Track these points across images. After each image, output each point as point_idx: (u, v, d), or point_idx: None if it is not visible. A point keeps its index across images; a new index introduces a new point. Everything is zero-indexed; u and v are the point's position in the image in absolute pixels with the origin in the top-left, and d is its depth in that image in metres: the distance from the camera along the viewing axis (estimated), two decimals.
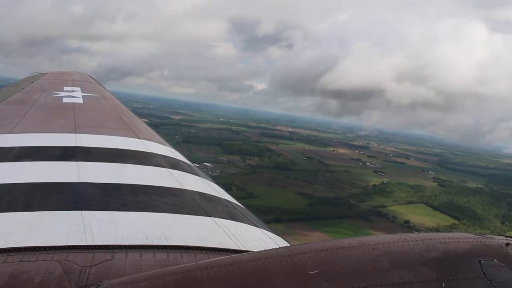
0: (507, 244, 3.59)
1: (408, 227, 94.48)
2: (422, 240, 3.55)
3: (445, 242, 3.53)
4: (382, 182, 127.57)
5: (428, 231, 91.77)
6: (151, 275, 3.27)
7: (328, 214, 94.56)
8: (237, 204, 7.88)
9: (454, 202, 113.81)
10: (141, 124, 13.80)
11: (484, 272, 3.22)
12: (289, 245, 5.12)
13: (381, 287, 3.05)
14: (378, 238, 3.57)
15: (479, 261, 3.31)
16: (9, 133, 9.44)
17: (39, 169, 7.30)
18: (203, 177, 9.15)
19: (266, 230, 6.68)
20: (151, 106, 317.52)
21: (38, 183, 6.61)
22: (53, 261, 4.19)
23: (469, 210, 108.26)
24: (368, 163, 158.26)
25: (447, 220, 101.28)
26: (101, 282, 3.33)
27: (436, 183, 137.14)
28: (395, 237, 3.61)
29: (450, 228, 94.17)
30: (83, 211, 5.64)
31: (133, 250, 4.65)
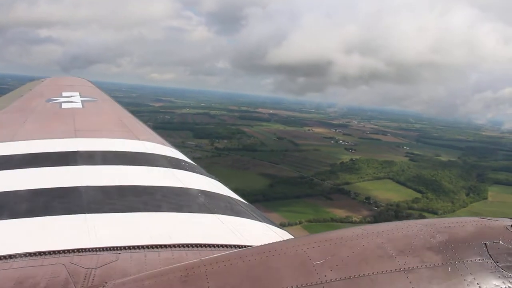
0: None
1: (368, 203, 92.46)
2: (426, 225, 3.50)
3: (450, 226, 3.47)
4: (351, 159, 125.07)
5: (390, 205, 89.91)
6: (156, 273, 3.35)
7: (286, 194, 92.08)
8: (240, 201, 7.88)
9: (421, 176, 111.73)
10: (141, 125, 13.70)
11: (490, 254, 3.17)
12: (293, 237, 5.10)
13: (387, 274, 3.02)
14: (382, 226, 3.55)
15: (485, 243, 3.25)
16: (10, 141, 9.43)
17: (41, 175, 7.28)
18: (205, 175, 9.11)
19: (270, 224, 6.71)
20: (134, 95, 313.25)
21: (40, 189, 6.60)
22: (58, 265, 4.25)
23: (435, 183, 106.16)
24: (341, 141, 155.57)
25: (411, 195, 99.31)
26: (106, 283, 3.46)
27: (407, 158, 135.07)
28: (399, 223, 3.58)
29: (412, 202, 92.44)
30: (86, 214, 5.67)
31: (137, 251, 4.70)
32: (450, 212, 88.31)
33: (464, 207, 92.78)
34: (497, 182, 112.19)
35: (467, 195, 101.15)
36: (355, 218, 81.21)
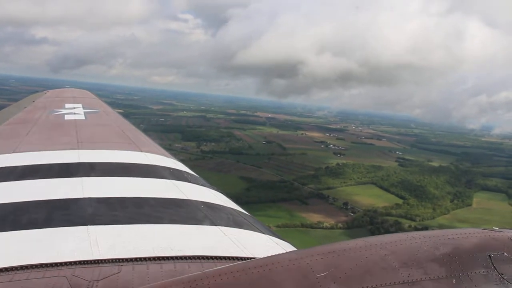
0: None
1: (345, 208, 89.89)
2: (430, 237, 3.50)
3: (453, 238, 3.47)
4: (337, 164, 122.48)
5: (367, 211, 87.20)
6: (158, 286, 3.33)
7: (261, 198, 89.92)
8: (243, 212, 7.88)
9: (407, 181, 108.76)
10: (143, 137, 13.72)
11: (494, 266, 3.17)
12: (296, 249, 5.19)
13: (390, 286, 3.02)
14: (385, 238, 3.55)
15: (489, 255, 3.25)
16: (13, 152, 9.47)
17: (43, 186, 7.29)
18: (207, 187, 9.06)
19: (273, 236, 6.68)
20: (135, 97, 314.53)
21: (42, 200, 6.57)
22: (60, 277, 4.22)
23: (419, 189, 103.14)
24: (331, 145, 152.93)
25: (393, 200, 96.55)
26: None
27: (397, 163, 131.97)
28: (402, 235, 3.59)
29: (391, 208, 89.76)
30: (88, 226, 5.65)
31: (140, 263, 4.70)
32: (430, 219, 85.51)
33: (446, 214, 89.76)
34: (486, 188, 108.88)
35: (452, 201, 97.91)
36: (327, 223, 78.78)
